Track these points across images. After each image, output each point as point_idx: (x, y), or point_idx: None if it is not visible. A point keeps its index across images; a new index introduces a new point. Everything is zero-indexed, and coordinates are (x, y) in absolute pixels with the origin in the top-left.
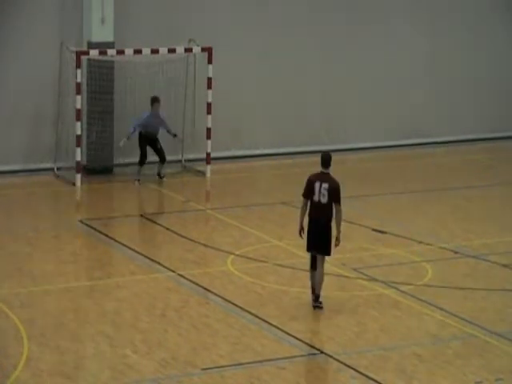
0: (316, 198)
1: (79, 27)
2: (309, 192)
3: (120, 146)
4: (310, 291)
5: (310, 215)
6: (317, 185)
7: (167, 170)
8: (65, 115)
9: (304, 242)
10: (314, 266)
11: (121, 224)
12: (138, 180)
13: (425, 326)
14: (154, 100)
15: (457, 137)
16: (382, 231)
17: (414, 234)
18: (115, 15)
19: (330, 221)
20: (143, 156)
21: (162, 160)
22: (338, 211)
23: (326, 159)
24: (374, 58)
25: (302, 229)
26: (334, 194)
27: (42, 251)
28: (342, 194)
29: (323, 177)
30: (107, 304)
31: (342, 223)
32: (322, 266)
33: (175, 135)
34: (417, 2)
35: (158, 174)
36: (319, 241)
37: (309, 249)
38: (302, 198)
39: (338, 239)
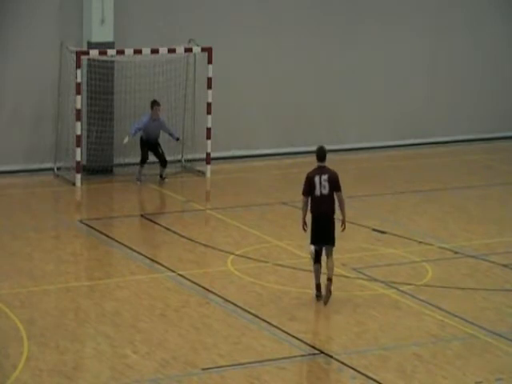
0: (317, 191)
1: (79, 27)
2: (309, 189)
3: (124, 142)
4: (313, 286)
5: (312, 211)
6: (316, 179)
7: (167, 169)
8: (65, 115)
9: (307, 237)
10: (317, 259)
11: (121, 224)
12: (140, 180)
13: (425, 325)
14: (154, 103)
15: (456, 137)
16: (382, 231)
17: (414, 234)
18: (115, 15)
19: (333, 213)
20: (144, 159)
21: (164, 164)
22: (341, 198)
23: (321, 153)
24: (374, 58)
25: (305, 224)
26: (335, 182)
27: (42, 251)
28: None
29: (321, 170)
30: (107, 304)
31: None
32: (332, 255)
33: (178, 139)
34: (417, 1)
35: (160, 176)
36: (324, 234)
37: (313, 242)
38: (302, 197)
39: (343, 223)
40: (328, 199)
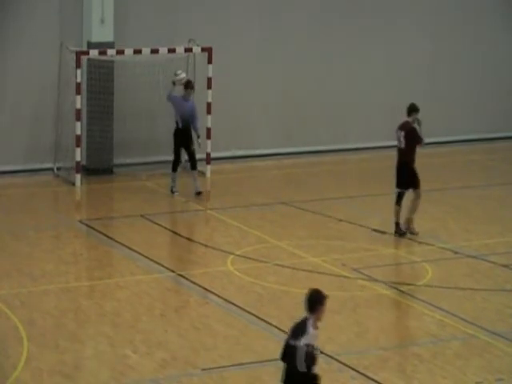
0: (398, 143)
1: (79, 27)
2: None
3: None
4: (393, 224)
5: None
6: (397, 133)
7: (166, 170)
8: (65, 115)
9: None
10: (398, 202)
11: (121, 224)
12: (175, 191)
13: (425, 326)
14: (191, 85)
15: (457, 137)
16: (382, 231)
17: (414, 234)
18: (115, 15)
19: (408, 163)
20: (177, 160)
21: (194, 165)
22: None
23: (409, 107)
24: (374, 58)
25: None
26: (410, 137)
27: (42, 251)
28: (343, 194)
29: (402, 125)
30: (107, 304)
31: (343, 223)
32: (415, 199)
33: (198, 136)
34: (417, 2)
35: (198, 193)
36: (401, 180)
37: (397, 185)
38: None
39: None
40: (404, 152)
